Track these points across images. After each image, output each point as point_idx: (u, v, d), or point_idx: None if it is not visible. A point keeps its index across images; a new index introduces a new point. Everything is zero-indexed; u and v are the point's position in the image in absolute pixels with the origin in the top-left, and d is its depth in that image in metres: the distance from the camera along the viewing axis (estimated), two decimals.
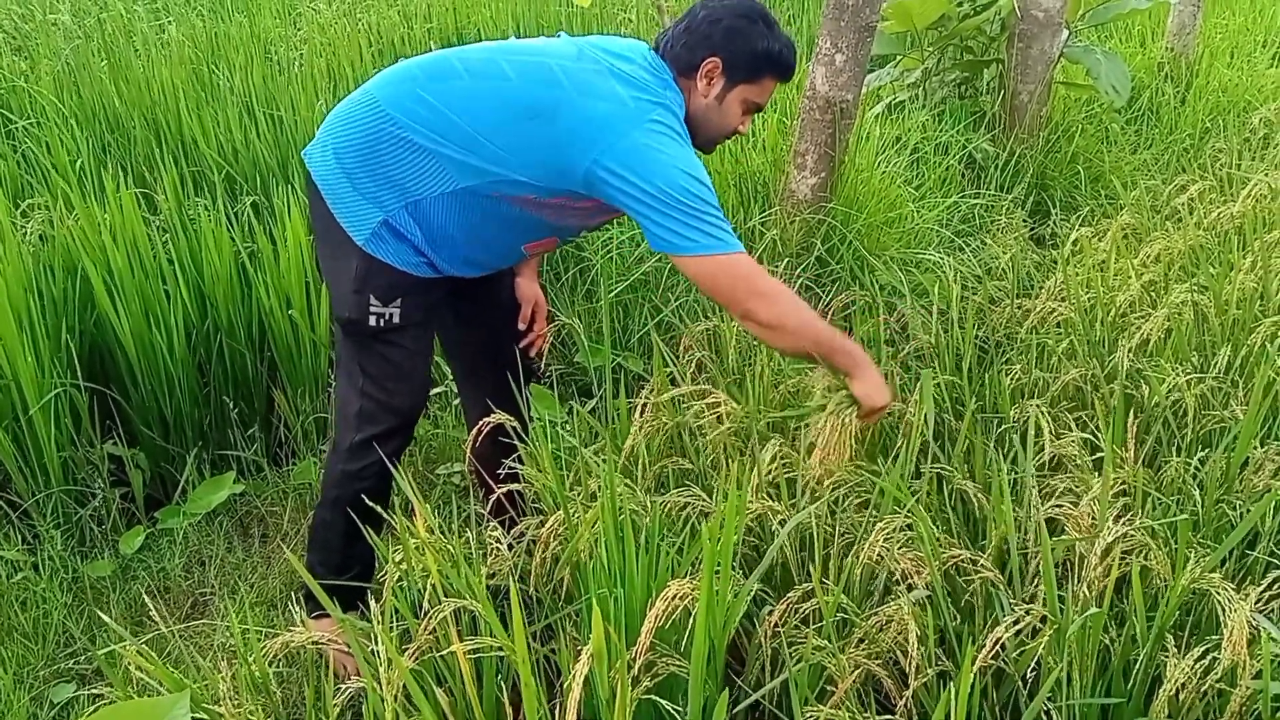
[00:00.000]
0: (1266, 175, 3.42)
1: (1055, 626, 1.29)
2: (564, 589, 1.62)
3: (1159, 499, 1.66)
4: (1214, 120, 4.71)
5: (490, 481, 1.97)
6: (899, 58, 4.48)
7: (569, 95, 1.60)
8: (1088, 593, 1.31)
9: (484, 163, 1.63)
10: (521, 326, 2.02)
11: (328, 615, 1.80)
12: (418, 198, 1.67)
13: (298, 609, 1.78)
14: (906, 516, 1.45)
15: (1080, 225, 3.25)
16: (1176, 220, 3.28)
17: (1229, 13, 6.44)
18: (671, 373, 2.14)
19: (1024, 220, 3.45)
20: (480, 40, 5.88)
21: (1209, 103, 4.76)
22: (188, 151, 3.53)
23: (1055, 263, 2.99)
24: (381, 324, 1.74)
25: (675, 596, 1.24)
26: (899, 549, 1.42)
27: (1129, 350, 2.10)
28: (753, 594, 1.40)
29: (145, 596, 1.82)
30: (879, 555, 1.40)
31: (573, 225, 1.82)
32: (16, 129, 3.81)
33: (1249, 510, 1.64)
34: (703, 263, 1.61)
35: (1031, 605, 1.31)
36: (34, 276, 2.33)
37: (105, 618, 1.55)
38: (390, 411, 1.80)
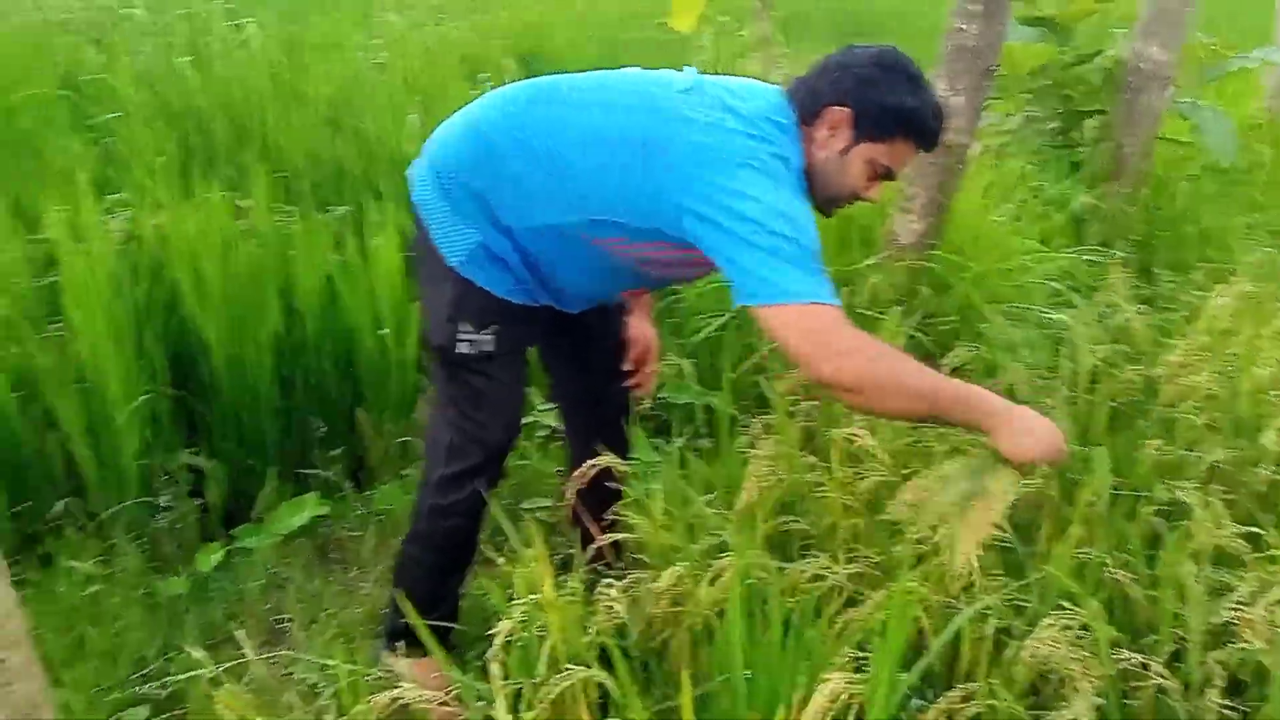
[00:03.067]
0: None
1: None
2: (668, 653, 1.51)
3: None
4: None
5: (588, 526, 1.87)
6: (989, 102, 4.37)
7: (673, 127, 1.47)
8: None
9: (575, 195, 1.53)
10: (628, 367, 1.92)
11: (417, 652, 1.71)
12: (509, 225, 1.58)
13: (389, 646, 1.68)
14: (1076, 613, 1.31)
15: (1194, 289, 3.10)
16: None
17: None
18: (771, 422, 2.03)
19: (1130, 280, 3.30)
20: (559, 59, 5.85)
21: None
22: (270, 155, 3.48)
23: (1172, 326, 2.84)
24: (472, 351, 1.64)
25: (836, 694, 1.12)
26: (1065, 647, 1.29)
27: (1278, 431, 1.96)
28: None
29: (226, 621, 1.73)
30: (1047, 654, 1.27)
31: (662, 276, 1.69)
32: (98, 123, 3.78)
33: None
34: (774, 312, 1.40)
35: None
36: (120, 277, 2.26)
37: (191, 650, 1.45)
38: (480, 445, 1.70)
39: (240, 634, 1.41)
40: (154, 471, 2.13)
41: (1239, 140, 4.57)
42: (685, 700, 1.14)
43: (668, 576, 1.48)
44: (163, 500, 2.09)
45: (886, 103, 1.50)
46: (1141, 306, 2.90)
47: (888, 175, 1.57)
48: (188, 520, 2.10)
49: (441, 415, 1.72)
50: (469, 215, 1.59)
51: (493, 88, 4.69)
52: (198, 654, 1.48)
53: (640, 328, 1.94)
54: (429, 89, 4.51)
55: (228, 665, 1.68)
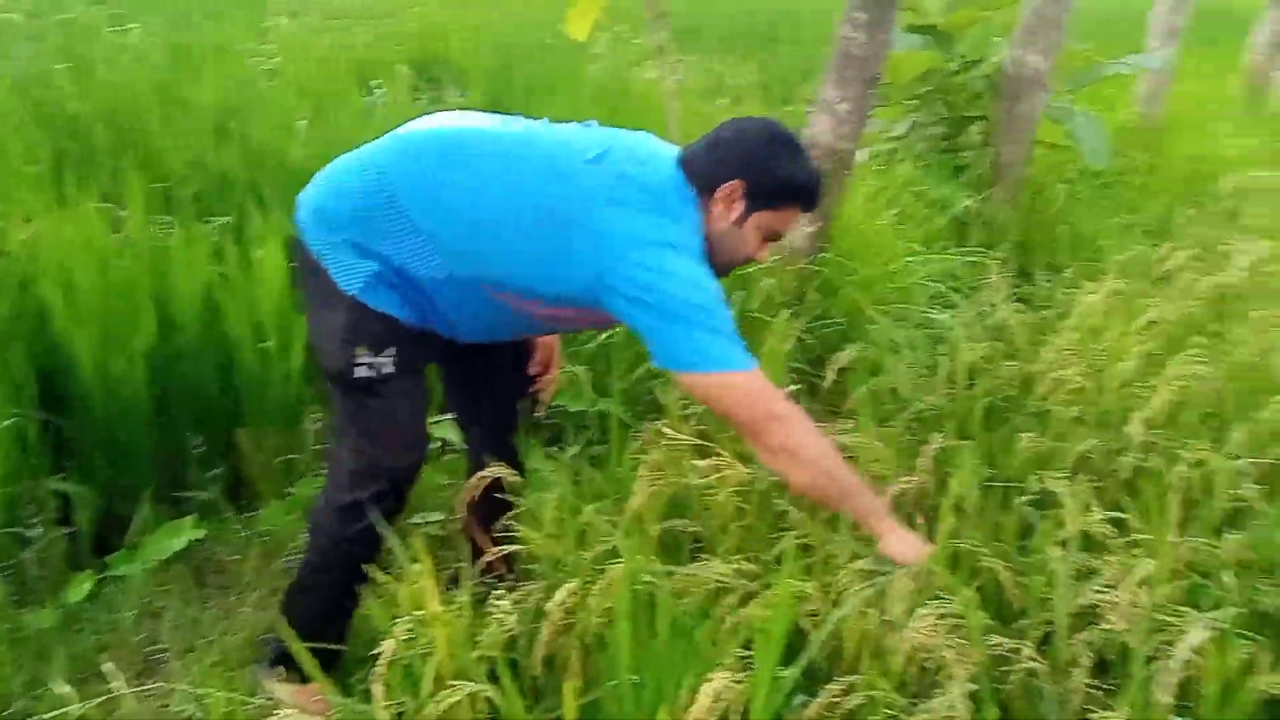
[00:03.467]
0: (1245, 245, 3.47)
1: None
2: (559, 661, 1.50)
3: (1200, 584, 1.58)
4: (1184, 186, 4.79)
5: (479, 539, 1.85)
6: (875, 109, 4.48)
7: (582, 201, 1.53)
8: (1165, 698, 1.22)
9: (479, 254, 1.56)
10: (534, 372, 1.92)
11: (298, 678, 1.66)
12: (404, 267, 1.58)
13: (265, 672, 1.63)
14: (949, 602, 1.35)
15: (1067, 288, 3.23)
16: (1161, 286, 3.28)
17: (1191, 81, 6.61)
18: (664, 425, 2.04)
19: (1008, 281, 3.42)
20: (455, 65, 5.78)
21: (1180, 170, 4.84)
22: (152, 164, 3.35)
23: (1048, 324, 2.95)
24: (372, 374, 1.62)
25: (719, 693, 1.13)
26: (941, 635, 1.33)
27: (1141, 421, 2.05)
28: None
29: (98, 654, 1.65)
30: (922, 643, 1.30)
31: (559, 328, 1.76)
32: None
33: None
34: (710, 380, 1.52)
35: (1089, 705, 1.23)
36: None
37: (57, 685, 1.38)
38: (383, 472, 1.67)
39: (109, 667, 1.34)
40: (19, 499, 2.02)
41: (1113, 144, 4.80)
42: (568, 710, 1.14)
43: (560, 592, 1.47)
44: (29, 531, 1.98)
45: (777, 176, 1.61)
46: (1019, 305, 3.01)
47: (776, 237, 1.68)
48: (56, 549, 2.00)
49: (343, 442, 1.70)
50: (364, 252, 1.58)
51: (386, 94, 4.57)
52: (64, 690, 1.41)
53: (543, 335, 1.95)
54: (322, 95, 4.41)
55: (98, 701, 1.61)
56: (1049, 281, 3.44)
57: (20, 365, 2.09)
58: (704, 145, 1.64)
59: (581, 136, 1.63)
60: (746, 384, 1.52)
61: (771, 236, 1.67)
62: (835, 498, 1.56)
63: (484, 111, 1.74)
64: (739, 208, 1.61)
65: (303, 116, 3.85)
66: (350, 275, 1.58)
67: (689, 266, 1.53)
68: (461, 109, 1.77)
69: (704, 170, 1.61)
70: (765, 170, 1.60)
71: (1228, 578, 1.62)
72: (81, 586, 1.95)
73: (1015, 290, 3.46)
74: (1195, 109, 6.00)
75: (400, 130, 1.66)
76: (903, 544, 1.53)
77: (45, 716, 1.60)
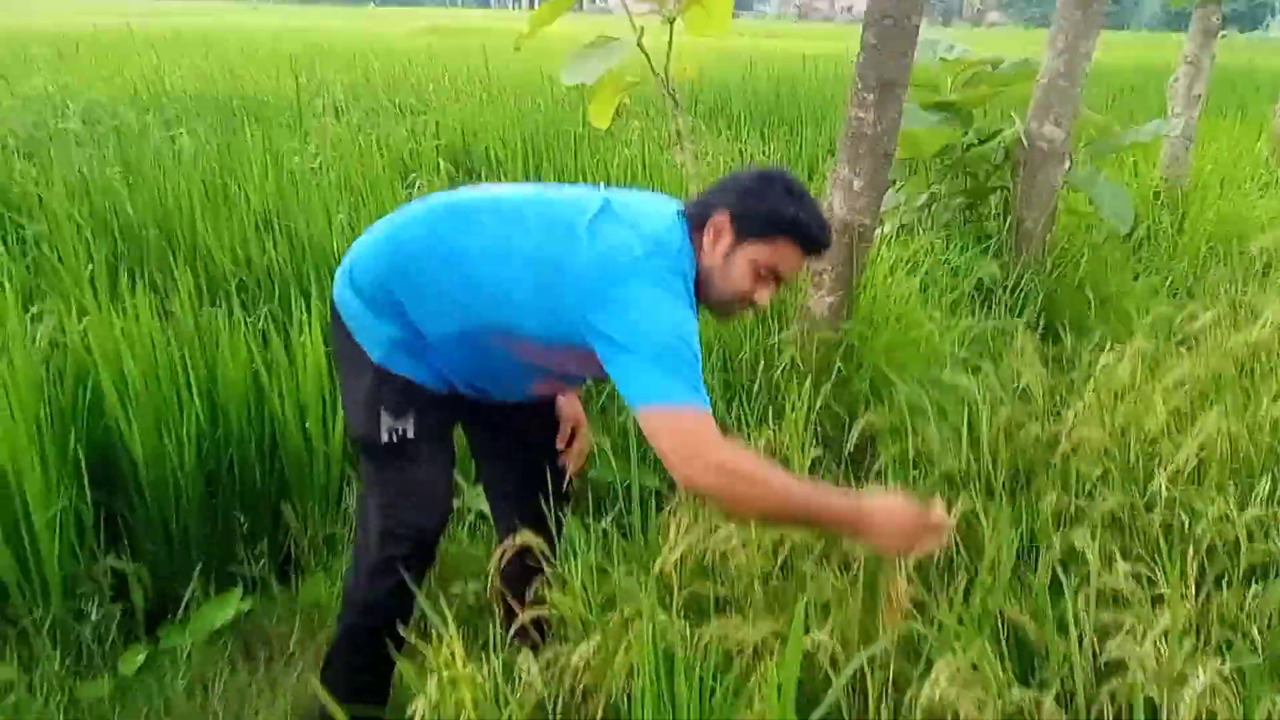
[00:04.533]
0: (1275, 302, 3.46)
1: None
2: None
3: (1228, 638, 1.58)
4: (1212, 249, 4.80)
5: (513, 605, 1.90)
6: (901, 183, 4.58)
7: (580, 245, 1.60)
8: None
9: (488, 309, 1.63)
10: (560, 446, 1.98)
11: None
12: (422, 328, 1.68)
13: None
14: (967, 655, 1.37)
15: (1094, 350, 3.25)
16: (1189, 346, 3.29)
17: (1217, 145, 6.64)
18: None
19: (1035, 344, 3.45)
20: (492, 161, 6.00)
21: (1206, 231, 4.85)
22: (201, 260, 3.53)
23: (1074, 385, 2.97)
24: (394, 438, 1.70)
25: None
26: (958, 689, 1.35)
27: (1167, 478, 2.06)
28: None
29: None
30: (940, 697, 1.32)
31: (575, 374, 1.79)
32: (27, 234, 3.81)
33: None
34: (654, 412, 1.48)
35: None
36: (43, 383, 2.28)
37: None
38: (410, 532, 1.74)
39: None
40: (77, 577, 2.11)
41: (1137, 208, 4.83)
42: None
43: (583, 649, 1.51)
44: (86, 606, 2.07)
45: (763, 206, 1.65)
46: (1044, 370, 3.03)
47: (775, 277, 1.69)
48: (111, 623, 2.08)
49: (370, 505, 1.77)
50: (386, 315, 1.69)
51: (423, 189, 4.80)
52: None
53: (570, 407, 2.02)
54: (363, 190, 4.61)
55: None
56: (1077, 345, 3.45)
57: (76, 450, 2.20)
58: (705, 189, 1.72)
59: (588, 194, 1.71)
60: (682, 420, 1.47)
61: (767, 275, 1.67)
62: (803, 524, 1.55)
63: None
64: (727, 239, 1.64)
65: (345, 211, 4.02)
66: (373, 342, 1.69)
67: (662, 301, 1.53)
68: None
69: (698, 208, 1.67)
70: (752, 202, 1.64)
71: (1255, 630, 1.62)
72: (135, 659, 2.03)
73: (1042, 354, 3.49)
74: (1222, 172, 6.02)
75: (421, 199, 1.78)
76: (889, 535, 1.49)
77: None
